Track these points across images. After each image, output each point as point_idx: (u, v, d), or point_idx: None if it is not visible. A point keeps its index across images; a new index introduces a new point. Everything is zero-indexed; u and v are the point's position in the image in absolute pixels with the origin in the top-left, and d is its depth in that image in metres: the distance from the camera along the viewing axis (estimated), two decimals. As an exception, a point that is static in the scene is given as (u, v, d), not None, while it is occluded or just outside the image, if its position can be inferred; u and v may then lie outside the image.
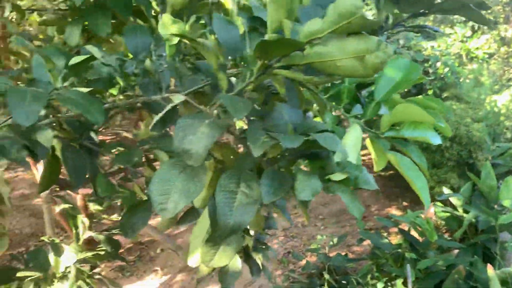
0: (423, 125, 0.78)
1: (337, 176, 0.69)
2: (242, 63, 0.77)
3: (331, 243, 3.75)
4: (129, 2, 1.13)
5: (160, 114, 0.71)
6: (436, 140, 0.79)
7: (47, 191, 3.12)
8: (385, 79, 0.82)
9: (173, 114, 0.78)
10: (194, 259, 0.82)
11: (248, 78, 0.68)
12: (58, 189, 3.58)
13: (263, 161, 0.75)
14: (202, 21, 1.24)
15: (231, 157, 0.88)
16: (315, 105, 1.11)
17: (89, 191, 3.33)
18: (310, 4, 0.65)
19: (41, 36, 1.97)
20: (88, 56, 0.79)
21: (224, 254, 0.77)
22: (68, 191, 3.50)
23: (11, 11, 1.56)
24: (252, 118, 0.74)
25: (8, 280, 1.73)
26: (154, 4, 1.12)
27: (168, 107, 0.72)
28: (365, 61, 0.55)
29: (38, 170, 3.07)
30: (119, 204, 1.49)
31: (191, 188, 0.69)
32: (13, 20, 1.99)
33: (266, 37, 0.62)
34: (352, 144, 0.73)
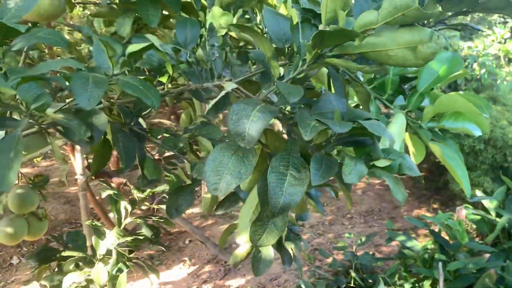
0: (464, 116, 0.80)
1: (382, 162, 0.71)
2: (294, 53, 0.81)
3: (359, 242, 3.74)
4: (179, -4, 1.19)
5: (215, 100, 0.76)
6: (476, 132, 0.81)
7: (83, 179, 3.26)
8: (428, 71, 0.84)
9: (225, 100, 0.82)
10: (242, 238, 0.86)
11: (300, 66, 0.72)
12: (93, 178, 3.71)
13: (309, 146, 0.79)
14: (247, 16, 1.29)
15: (276, 142, 0.92)
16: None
17: (123, 180, 3.44)
18: (362, -4, 0.68)
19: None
20: (148, 44, 0.84)
21: (271, 233, 0.81)
22: (102, 179, 3.62)
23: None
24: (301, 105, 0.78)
25: (49, 260, 1.83)
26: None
27: (222, 93, 0.76)
28: (417, 52, 0.58)
29: (76, 158, 3.21)
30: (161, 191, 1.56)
31: (242, 169, 0.74)
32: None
33: (321, 27, 0.65)
34: (397, 132, 0.76)
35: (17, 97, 0.78)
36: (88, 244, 2.00)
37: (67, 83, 0.86)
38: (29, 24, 1.02)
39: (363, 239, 3.74)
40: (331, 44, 0.64)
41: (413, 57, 0.59)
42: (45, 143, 1.55)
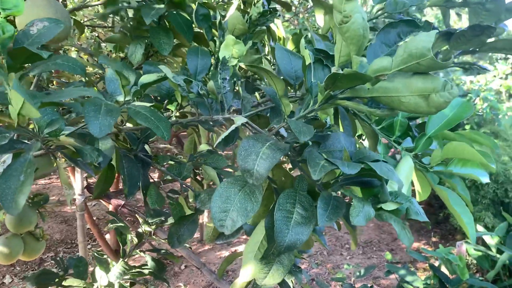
0: (472, 162, 0.81)
1: (390, 206, 0.71)
2: (306, 91, 0.81)
3: (357, 273, 3.69)
4: (190, 25, 1.21)
5: (225, 133, 0.76)
6: (484, 178, 0.81)
7: (81, 199, 3.24)
8: (438, 115, 0.85)
9: (234, 134, 0.82)
10: (246, 274, 0.85)
11: (311, 105, 0.72)
12: (92, 198, 3.68)
13: (316, 184, 0.78)
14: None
15: (282, 177, 0.92)
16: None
17: (121, 202, 3.42)
18: (375, 41, 0.69)
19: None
20: (162, 76, 0.85)
21: (277, 272, 0.79)
22: (101, 200, 3.59)
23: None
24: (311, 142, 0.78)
25: (47, 284, 1.79)
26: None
27: (232, 127, 0.76)
28: (430, 100, 0.58)
29: (76, 178, 3.19)
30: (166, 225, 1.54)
31: (248, 206, 0.73)
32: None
33: (334, 69, 0.66)
34: (405, 175, 0.76)
35: (30, 120, 0.79)
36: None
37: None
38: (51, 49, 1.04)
39: (362, 271, 3.69)
40: (343, 86, 0.65)
41: (425, 104, 0.60)
42: (49, 165, 1.55)
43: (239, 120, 0.81)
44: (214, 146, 0.81)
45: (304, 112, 0.74)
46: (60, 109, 1.27)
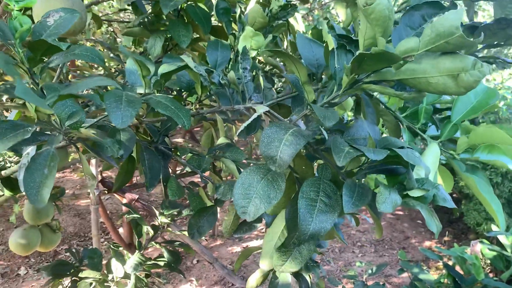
0: (499, 149, 0.79)
1: (416, 192, 0.70)
2: (328, 78, 0.81)
3: (369, 271, 3.67)
4: (209, 18, 1.21)
5: (247, 122, 0.75)
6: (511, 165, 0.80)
7: (96, 193, 3.26)
8: (463, 102, 0.84)
9: (256, 123, 0.82)
10: (265, 263, 0.85)
11: (335, 91, 0.72)
12: (106, 191, 3.72)
13: (340, 172, 0.78)
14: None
15: (303, 166, 0.91)
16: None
17: (135, 196, 3.44)
18: (400, 24, 0.68)
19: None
20: (183, 64, 0.85)
21: (295, 260, 0.79)
22: (114, 194, 3.62)
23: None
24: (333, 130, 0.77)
25: (63, 275, 1.81)
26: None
27: (254, 116, 0.76)
28: (459, 79, 0.57)
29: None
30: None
31: (271, 193, 0.73)
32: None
33: (358, 52, 0.65)
34: (431, 162, 0.75)
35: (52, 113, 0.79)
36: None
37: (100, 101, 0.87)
38: (68, 41, 1.04)
39: (374, 269, 3.67)
40: (370, 68, 0.64)
41: (454, 85, 0.58)
42: (65, 158, 1.56)
43: (261, 108, 0.80)
44: (237, 134, 0.81)
45: (328, 98, 0.73)
46: (80, 102, 1.28)
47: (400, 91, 0.65)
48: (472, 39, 0.55)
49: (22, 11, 0.76)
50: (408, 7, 0.79)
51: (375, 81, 0.67)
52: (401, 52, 0.60)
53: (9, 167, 1.24)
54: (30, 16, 1.13)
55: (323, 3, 3.96)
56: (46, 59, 0.80)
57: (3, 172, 1.20)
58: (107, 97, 0.78)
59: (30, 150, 0.95)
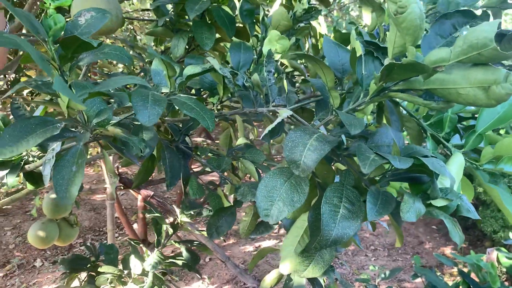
0: (524, 161, 0.78)
1: (440, 202, 0.70)
2: (354, 84, 0.80)
3: (382, 275, 3.64)
4: (233, 20, 1.21)
5: (271, 126, 0.76)
6: (536, 178, 0.79)
7: (113, 188, 3.31)
8: (489, 112, 0.83)
9: (280, 127, 0.82)
10: (285, 267, 0.85)
11: (361, 97, 0.72)
12: (122, 187, 3.76)
13: (362, 179, 0.77)
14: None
15: (325, 171, 0.91)
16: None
17: (150, 193, 3.48)
18: (430, 33, 0.68)
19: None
20: (209, 67, 0.85)
21: (317, 265, 0.79)
22: (130, 190, 3.66)
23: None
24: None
25: (80, 269, 1.84)
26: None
27: (278, 120, 0.76)
28: (490, 91, 0.57)
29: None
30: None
31: (295, 197, 0.73)
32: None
33: (387, 61, 0.65)
34: (455, 171, 0.74)
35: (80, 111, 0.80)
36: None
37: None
38: (101, 39, 1.06)
39: (387, 273, 3.64)
40: (399, 77, 0.64)
41: (485, 97, 0.58)
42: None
43: (285, 112, 0.80)
44: (261, 138, 0.81)
45: (353, 104, 0.73)
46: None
47: (428, 101, 0.65)
48: (506, 52, 0.54)
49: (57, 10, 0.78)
50: (437, 15, 0.78)
51: (403, 89, 0.67)
52: (431, 62, 0.60)
53: (33, 161, 1.27)
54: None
55: (342, 4, 3.94)
56: (76, 57, 0.81)
57: (26, 166, 1.23)
58: (134, 96, 0.79)
59: (56, 146, 0.97)
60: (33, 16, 0.72)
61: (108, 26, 1.12)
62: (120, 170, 3.88)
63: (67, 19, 0.78)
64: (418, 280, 3.79)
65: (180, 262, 1.60)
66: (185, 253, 1.59)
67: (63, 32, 0.79)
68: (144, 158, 1.00)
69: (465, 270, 3.41)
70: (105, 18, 0.82)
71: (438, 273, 4.36)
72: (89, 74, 1.97)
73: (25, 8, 1.25)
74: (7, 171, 1.16)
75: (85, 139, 0.75)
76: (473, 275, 3.29)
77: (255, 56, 1.19)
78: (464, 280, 3.15)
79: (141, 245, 1.72)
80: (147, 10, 2.31)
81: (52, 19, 0.72)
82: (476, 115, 1.00)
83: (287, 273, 0.85)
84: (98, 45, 0.72)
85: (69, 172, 0.69)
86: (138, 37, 3.40)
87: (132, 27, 3.62)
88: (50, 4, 0.72)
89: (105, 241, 4.02)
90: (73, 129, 0.86)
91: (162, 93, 0.91)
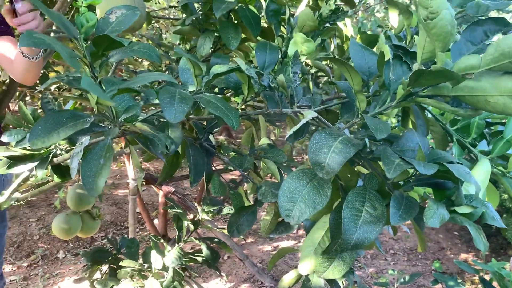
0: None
1: (464, 209, 0.69)
2: (381, 87, 0.80)
3: (402, 280, 3.60)
4: (258, 20, 1.22)
5: (296, 127, 0.76)
6: None
7: (135, 184, 3.36)
8: (517, 118, 0.81)
9: (304, 128, 0.83)
10: (304, 267, 0.85)
11: (388, 101, 0.71)
12: (144, 183, 3.81)
13: (386, 183, 0.77)
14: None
15: (348, 174, 0.91)
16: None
17: (172, 189, 3.52)
18: (460, 39, 0.67)
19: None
20: (235, 66, 0.86)
21: (337, 267, 0.79)
22: (151, 186, 3.71)
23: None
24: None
25: (102, 262, 1.88)
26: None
27: (303, 121, 0.77)
28: (520, 100, 0.56)
29: (131, 163, 3.32)
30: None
31: (317, 199, 0.74)
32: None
33: (415, 66, 0.65)
34: (481, 178, 0.73)
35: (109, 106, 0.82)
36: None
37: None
38: (133, 38, 1.08)
39: (407, 278, 3.59)
40: (427, 83, 0.63)
41: (515, 105, 0.57)
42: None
43: (309, 114, 0.81)
44: (285, 139, 0.82)
45: (380, 108, 0.73)
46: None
47: (456, 107, 0.64)
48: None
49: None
50: (465, 18, 0.77)
51: (430, 95, 0.66)
52: (460, 69, 0.60)
53: (60, 154, 1.31)
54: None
55: (368, 5, 3.90)
56: (106, 55, 0.84)
57: (55, 159, 1.27)
58: (162, 93, 0.81)
59: (84, 140, 1.00)
60: (63, 16, 0.75)
61: (135, 24, 1.14)
62: (142, 166, 3.95)
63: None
64: (438, 286, 3.73)
65: (200, 259, 1.62)
66: (205, 250, 1.60)
67: (94, 30, 0.82)
68: (169, 154, 1.02)
69: (487, 277, 3.34)
70: (135, 15, 0.84)
71: (459, 280, 4.28)
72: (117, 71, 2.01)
73: (56, 5, 1.28)
74: (36, 163, 1.20)
75: (113, 133, 0.77)
76: (495, 284, 3.22)
77: (280, 57, 1.20)
78: (486, 288, 3.09)
79: (161, 240, 1.75)
80: (175, 7, 2.34)
81: (84, 17, 0.74)
82: (504, 121, 0.98)
83: (306, 273, 0.85)
84: (128, 44, 0.74)
85: (97, 164, 0.71)
86: (163, 35, 3.45)
87: (158, 25, 3.67)
88: (82, 2, 0.74)
89: (126, 235, 4.09)
90: (102, 124, 0.88)
91: (189, 91, 0.93)
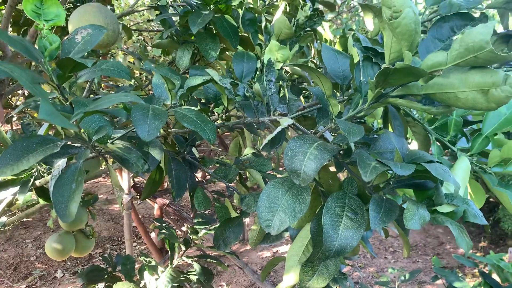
0: (533, 162, 0.76)
1: (445, 208, 0.68)
2: (353, 91, 0.79)
3: (402, 278, 3.58)
4: (236, 31, 1.21)
5: (272, 135, 0.75)
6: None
7: (128, 198, 3.34)
8: (495, 114, 0.81)
9: (281, 136, 0.81)
10: (290, 278, 0.84)
11: (360, 104, 0.70)
12: (138, 197, 3.78)
13: (366, 186, 0.76)
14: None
15: (329, 180, 0.90)
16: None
17: (166, 201, 3.49)
18: (428, 36, 0.67)
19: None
20: (208, 78, 0.85)
21: (321, 276, 0.78)
22: (147, 199, 3.68)
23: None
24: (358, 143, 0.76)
25: (97, 280, 1.86)
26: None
27: (278, 129, 0.76)
28: (489, 95, 0.55)
29: (123, 177, 3.30)
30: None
31: (296, 207, 0.72)
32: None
33: (384, 66, 0.64)
34: (461, 176, 0.72)
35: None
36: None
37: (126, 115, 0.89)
38: (100, 58, 1.07)
39: (407, 275, 3.58)
40: (396, 83, 0.62)
41: (484, 100, 0.56)
42: (98, 166, 1.60)
43: (285, 121, 0.80)
44: (260, 148, 0.81)
45: (353, 112, 0.72)
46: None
47: (428, 106, 0.63)
48: (503, 53, 0.52)
49: (52, 30, 0.79)
50: (438, 18, 0.77)
51: (402, 95, 0.65)
52: (428, 66, 0.59)
53: (43, 176, 1.29)
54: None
55: (351, 5, 3.92)
56: (75, 75, 0.82)
57: (37, 182, 1.25)
58: (134, 110, 0.80)
59: (61, 162, 0.98)
60: (27, 41, 0.73)
61: (105, 40, 1.13)
62: (136, 179, 3.92)
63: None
64: (439, 282, 3.72)
65: (194, 278, 1.59)
66: (198, 271, 1.58)
67: (60, 51, 0.80)
68: (149, 171, 1.00)
69: (487, 270, 3.33)
70: (101, 34, 0.83)
71: (460, 274, 4.27)
72: (102, 85, 1.99)
73: (30, 30, 1.27)
74: (18, 187, 1.18)
75: (84, 156, 0.76)
76: (495, 275, 3.21)
77: (260, 65, 1.19)
78: (486, 281, 3.08)
79: (153, 262, 1.72)
80: (152, 20, 2.34)
81: (47, 40, 0.73)
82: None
83: (291, 283, 0.84)
84: (92, 64, 0.73)
85: (69, 189, 0.70)
86: (148, 47, 3.44)
87: (142, 38, 3.65)
88: (43, 25, 0.73)
89: (124, 251, 4.05)
90: (77, 145, 0.87)
91: (165, 105, 0.92)
